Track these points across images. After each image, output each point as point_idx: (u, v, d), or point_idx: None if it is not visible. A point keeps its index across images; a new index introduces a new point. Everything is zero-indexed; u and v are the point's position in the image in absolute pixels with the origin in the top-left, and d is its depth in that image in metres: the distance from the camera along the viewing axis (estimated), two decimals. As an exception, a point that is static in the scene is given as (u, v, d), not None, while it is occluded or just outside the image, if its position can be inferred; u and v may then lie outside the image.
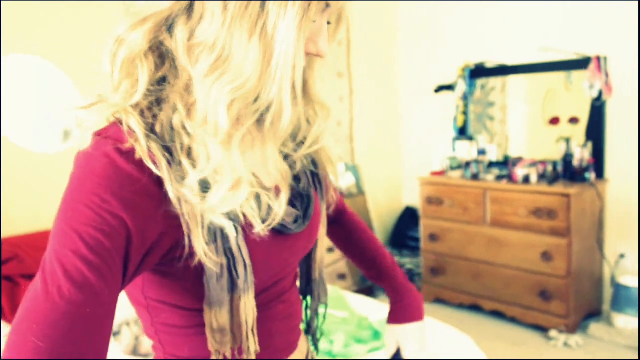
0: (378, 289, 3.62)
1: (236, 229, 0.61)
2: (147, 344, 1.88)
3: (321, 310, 0.95)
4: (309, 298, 0.90)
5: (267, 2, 0.58)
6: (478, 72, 3.63)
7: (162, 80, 0.63)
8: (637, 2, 2.96)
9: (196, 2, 0.60)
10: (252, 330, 0.66)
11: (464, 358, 1.77)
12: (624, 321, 2.99)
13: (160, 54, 0.63)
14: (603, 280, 3.27)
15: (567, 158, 3.15)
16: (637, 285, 2.96)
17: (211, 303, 0.63)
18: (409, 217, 4.09)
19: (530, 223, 3.05)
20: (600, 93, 3.12)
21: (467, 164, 3.44)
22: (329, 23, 0.70)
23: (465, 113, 3.72)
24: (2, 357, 0.50)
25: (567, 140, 3.19)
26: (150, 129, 0.59)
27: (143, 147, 0.56)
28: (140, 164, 0.56)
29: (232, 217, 0.61)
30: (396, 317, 1.02)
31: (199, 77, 0.59)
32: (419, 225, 3.67)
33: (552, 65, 3.33)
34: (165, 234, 0.58)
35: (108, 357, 1.62)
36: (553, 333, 3.00)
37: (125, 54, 0.61)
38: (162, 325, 0.70)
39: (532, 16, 3.42)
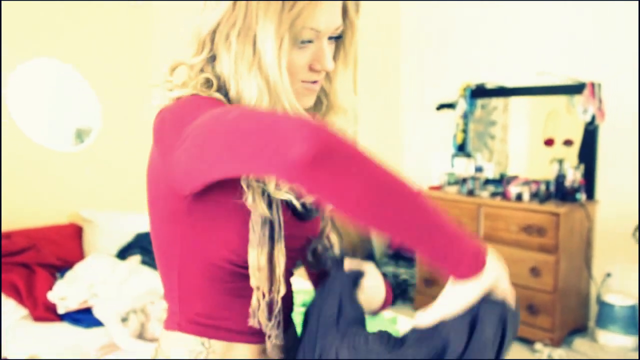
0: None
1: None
2: (151, 330, 2.08)
3: None
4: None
5: (257, 43, 0.78)
6: (478, 92, 3.82)
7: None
8: (637, 30, 3.14)
9: (217, 50, 0.84)
10: (282, 275, 0.82)
11: None
12: (607, 338, 3.14)
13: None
14: (589, 297, 3.43)
15: (560, 179, 3.32)
16: (621, 304, 3.11)
17: (255, 245, 0.80)
18: (407, 229, 4.26)
19: (520, 239, 3.22)
20: (594, 117, 3.29)
21: (464, 180, 3.62)
22: (337, 38, 0.88)
23: (464, 131, 3.90)
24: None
25: (560, 162, 3.36)
26: None
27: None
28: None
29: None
30: None
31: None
32: (416, 237, 3.84)
33: (549, 89, 3.51)
34: None
35: (118, 340, 1.80)
36: (538, 346, 3.15)
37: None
38: (188, 283, 0.85)
39: (531, 40, 3.61)
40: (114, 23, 3.31)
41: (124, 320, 2.12)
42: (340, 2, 0.86)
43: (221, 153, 0.66)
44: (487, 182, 3.70)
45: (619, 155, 3.29)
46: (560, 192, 3.30)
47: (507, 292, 0.76)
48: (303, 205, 0.87)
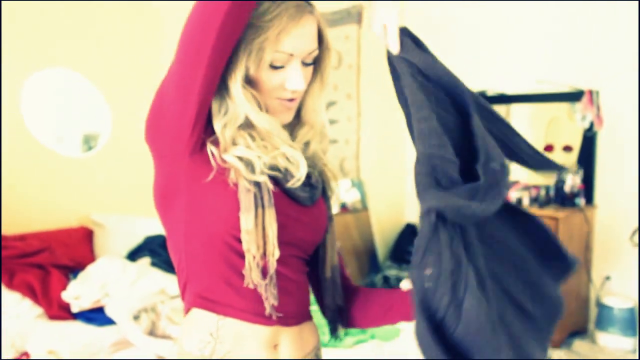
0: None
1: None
2: (162, 327, 2.18)
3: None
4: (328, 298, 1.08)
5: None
6: (479, 99, 3.92)
7: None
8: (636, 38, 3.24)
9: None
10: (274, 238, 0.90)
11: None
12: (606, 339, 3.23)
13: None
14: (589, 300, 3.51)
15: (559, 184, 3.41)
16: (620, 306, 3.20)
17: (244, 210, 0.89)
18: (409, 233, 4.37)
19: (520, 243, 3.30)
20: (592, 124, 3.39)
21: (465, 185, 3.71)
22: (312, 64, 0.98)
23: (466, 137, 4.01)
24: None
25: (559, 167, 3.46)
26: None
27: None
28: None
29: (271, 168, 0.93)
30: None
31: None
32: (418, 241, 3.94)
33: (548, 97, 3.61)
34: None
35: (131, 337, 1.91)
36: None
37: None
38: (194, 262, 0.95)
39: (531, 48, 3.72)
40: (124, 30, 3.44)
41: (136, 318, 2.23)
42: (314, 27, 0.96)
43: (171, 70, 0.89)
44: (488, 187, 3.79)
45: (617, 160, 3.39)
46: (559, 197, 3.40)
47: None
48: (302, 189, 0.97)
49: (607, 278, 3.41)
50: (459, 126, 1.01)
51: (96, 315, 2.44)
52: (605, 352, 3.20)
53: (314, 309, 1.08)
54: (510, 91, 3.83)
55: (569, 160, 3.56)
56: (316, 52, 0.98)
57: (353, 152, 4.18)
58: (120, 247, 3.03)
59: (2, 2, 2.83)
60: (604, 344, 3.24)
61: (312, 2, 0.96)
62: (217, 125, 0.94)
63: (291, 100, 0.98)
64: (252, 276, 0.90)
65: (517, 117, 3.93)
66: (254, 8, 0.88)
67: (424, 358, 0.89)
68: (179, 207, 0.94)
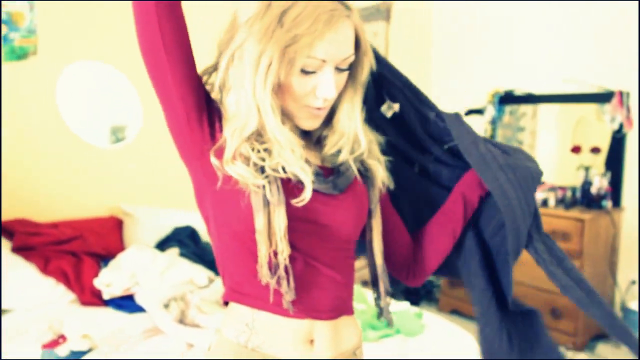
0: (397, 293, 3.93)
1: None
2: (191, 317, 2.26)
3: (388, 300, 1.12)
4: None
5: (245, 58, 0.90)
6: (507, 98, 3.93)
7: None
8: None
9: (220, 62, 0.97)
10: (283, 237, 0.91)
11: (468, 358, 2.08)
12: (630, 344, 3.23)
13: None
14: (614, 303, 3.51)
15: (586, 185, 3.42)
16: (645, 311, 3.20)
17: (255, 211, 0.91)
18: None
19: (545, 243, 3.32)
20: (621, 126, 3.39)
21: (491, 185, 3.73)
22: (347, 69, 0.96)
23: (492, 137, 4.02)
24: None
25: (587, 169, 3.46)
26: None
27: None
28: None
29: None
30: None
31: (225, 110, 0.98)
32: (442, 239, 3.97)
33: (577, 97, 3.61)
34: None
35: (161, 324, 1.98)
36: (560, 349, 3.25)
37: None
38: (226, 256, 1.00)
39: (561, 48, 3.71)
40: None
41: (166, 306, 2.31)
42: (351, 32, 0.92)
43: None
44: (514, 187, 3.80)
45: (646, 163, 3.37)
46: (586, 198, 3.40)
47: None
48: (322, 181, 0.97)
49: (633, 282, 3.41)
50: None
51: (126, 303, 2.52)
52: (629, 356, 3.20)
53: (361, 308, 1.09)
54: (538, 91, 3.83)
55: (597, 161, 3.55)
56: (352, 58, 0.95)
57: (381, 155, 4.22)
58: (148, 237, 3.11)
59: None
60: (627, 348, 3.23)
61: (349, 3, 0.93)
62: (226, 131, 0.94)
63: (320, 108, 0.96)
64: (263, 273, 0.92)
65: (544, 117, 3.93)
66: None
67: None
68: (207, 206, 0.99)
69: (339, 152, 1.02)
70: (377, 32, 4.16)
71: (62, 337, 1.99)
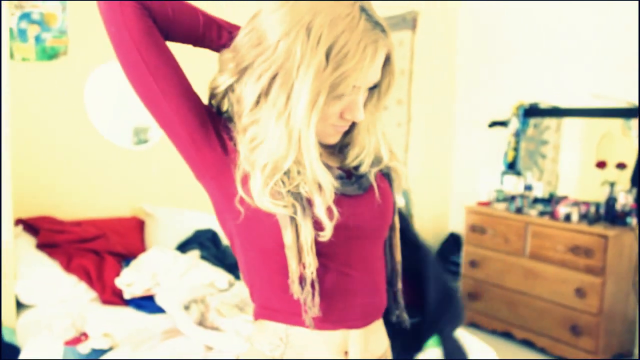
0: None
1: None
2: (210, 319, 2.28)
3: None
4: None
5: (292, 94, 0.87)
6: (531, 111, 3.92)
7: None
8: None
9: (244, 77, 0.92)
10: (310, 250, 0.89)
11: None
12: (652, 364, 3.19)
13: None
14: (636, 323, 3.46)
15: (610, 201, 3.39)
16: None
17: (282, 227, 0.90)
18: (452, 243, 4.38)
19: (567, 259, 3.30)
20: (648, 142, 3.35)
21: (513, 198, 3.72)
22: (375, 87, 0.97)
23: (515, 149, 4.00)
24: None
25: (612, 185, 3.43)
26: None
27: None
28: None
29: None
30: None
31: (242, 131, 0.93)
32: (461, 251, 3.96)
33: (603, 112, 3.58)
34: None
35: (181, 326, 2.00)
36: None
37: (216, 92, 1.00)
38: (253, 274, 0.98)
39: (587, 62, 3.69)
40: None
41: (186, 308, 2.33)
42: (385, 56, 0.93)
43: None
44: (536, 200, 3.79)
45: (673, 181, 3.33)
46: (610, 214, 3.37)
47: None
48: (347, 183, 0.96)
49: (656, 301, 3.36)
50: None
51: (146, 303, 2.56)
52: (650, 376, 3.16)
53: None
54: (564, 104, 3.81)
55: (622, 177, 3.52)
56: (379, 77, 0.96)
57: (401, 158, 4.23)
58: (170, 238, 3.15)
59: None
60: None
61: (385, 26, 0.92)
62: (255, 162, 0.90)
63: (344, 125, 0.97)
64: (293, 288, 0.92)
65: (569, 131, 3.90)
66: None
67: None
68: (229, 224, 0.98)
69: (358, 166, 1.02)
70: (403, 41, 4.18)
71: (84, 335, 2.03)
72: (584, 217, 3.44)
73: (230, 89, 0.96)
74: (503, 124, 4.10)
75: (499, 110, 4.16)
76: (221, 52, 0.98)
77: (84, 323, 2.07)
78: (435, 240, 4.51)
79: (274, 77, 0.88)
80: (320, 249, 0.92)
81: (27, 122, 2.91)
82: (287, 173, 0.91)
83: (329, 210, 0.91)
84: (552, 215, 3.50)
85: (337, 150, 1.04)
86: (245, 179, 0.91)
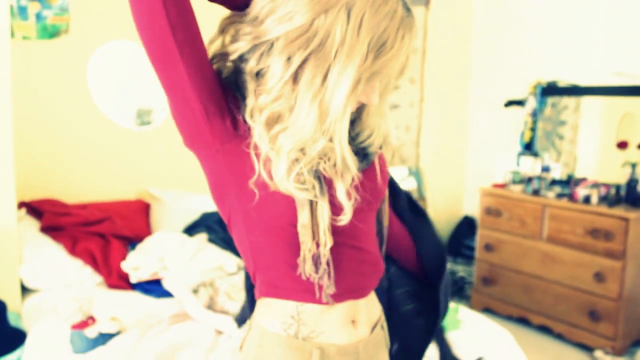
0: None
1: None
2: (220, 303, 2.26)
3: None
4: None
5: (329, 77, 0.85)
6: (549, 90, 3.85)
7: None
8: None
9: (270, 53, 0.88)
10: (327, 229, 0.91)
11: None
12: (673, 350, 3.15)
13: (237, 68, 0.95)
14: (657, 307, 3.42)
15: (632, 183, 3.33)
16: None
17: (298, 205, 0.90)
18: (467, 226, 4.34)
19: (585, 243, 3.25)
20: (672, 121, 3.28)
21: (529, 180, 3.67)
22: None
23: (532, 129, 3.94)
24: None
25: (633, 166, 3.37)
26: None
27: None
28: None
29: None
30: None
31: (259, 110, 0.89)
32: (476, 234, 3.92)
33: (624, 90, 3.51)
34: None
35: (190, 310, 1.98)
36: (598, 353, 3.19)
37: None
38: (259, 253, 0.97)
39: (607, 38, 3.61)
40: (194, 4, 3.51)
41: (195, 292, 2.32)
42: None
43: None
44: (554, 182, 3.73)
45: (698, 161, 3.27)
46: (631, 196, 3.32)
47: None
48: (358, 159, 0.97)
49: (678, 285, 3.31)
50: None
51: (153, 287, 2.54)
52: (671, 363, 3.12)
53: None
54: (583, 83, 3.74)
55: (644, 158, 3.46)
56: None
57: (413, 139, 4.18)
58: (176, 221, 3.13)
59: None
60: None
61: (413, 12, 0.93)
62: (259, 128, 0.89)
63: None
64: (305, 268, 0.93)
65: (588, 110, 3.83)
66: None
67: None
68: (230, 202, 0.96)
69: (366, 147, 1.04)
70: (416, 17, 4.10)
71: (92, 319, 2.01)
72: (603, 199, 3.39)
73: (241, 59, 0.92)
74: (520, 103, 4.03)
75: (515, 89, 4.09)
76: (234, 16, 0.94)
77: (91, 307, 2.05)
78: (449, 223, 4.47)
79: (307, 58, 0.85)
80: (335, 227, 0.93)
81: (29, 103, 2.88)
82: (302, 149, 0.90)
83: (348, 193, 0.92)
84: (571, 197, 3.44)
85: None
86: (261, 159, 0.89)
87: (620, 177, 3.48)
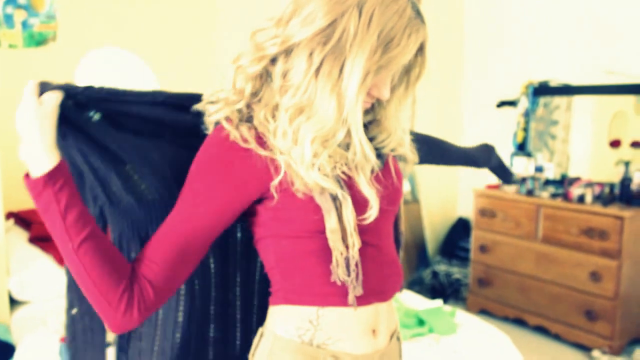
0: (422, 292, 3.87)
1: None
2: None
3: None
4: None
5: (344, 69, 0.90)
6: (541, 90, 3.84)
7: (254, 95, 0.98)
8: None
9: (294, 53, 0.93)
10: (354, 231, 0.93)
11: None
12: (670, 349, 3.14)
13: (261, 76, 0.98)
14: (653, 306, 3.41)
15: (625, 181, 3.32)
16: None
17: (325, 212, 0.93)
18: (461, 228, 4.33)
19: (581, 242, 3.24)
20: (664, 119, 3.28)
21: (523, 180, 3.65)
22: (405, 75, 1.03)
23: (525, 130, 3.93)
24: None
25: (627, 164, 3.36)
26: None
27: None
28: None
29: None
30: None
31: (285, 108, 0.92)
32: (470, 236, 3.91)
33: (616, 89, 3.50)
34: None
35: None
36: (596, 353, 3.17)
37: (242, 78, 0.97)
38: (287, 261, 0.98)
39: (597, 37, 3.61)
40: (180, 13, 3.49)
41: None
42: None
43: None
44: (547, 182, 3.72)
45: (691, 159, 3.26)
46: (625, 195, 3.31)
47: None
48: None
49: (674, 283, 3.30)
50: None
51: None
52: (669, 362, 3.11)
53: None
54: (574, 82, 3.73)
55: (638, 156, 3.45)
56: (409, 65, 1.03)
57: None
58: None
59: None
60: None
61: (424, 14, 0.97)
62: (283, 124, 0.93)
63: (368, 102, 1.00)
64: (339, 273, 0.94)
65: (579, 110, 3.83)
66: None
67: None
68: (259, 212, 0.99)
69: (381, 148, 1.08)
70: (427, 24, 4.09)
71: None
72: (597, 198, 3.38)
73: (271, 63, 0.96)
74: (512, 103, 4.02)
75: (507, 90, 4.08)
76: (257, 32, 0.98)
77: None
78: (444, 225, 4.45)
79: (326, 53, 0.91)
80: (357, 226, 0.96)
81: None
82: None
83: (371, 183, 0.97)
84: (565, 196, 3.43)
85: None
86: (284, 162, 0.93)
87: (613, 175, 3.47)
